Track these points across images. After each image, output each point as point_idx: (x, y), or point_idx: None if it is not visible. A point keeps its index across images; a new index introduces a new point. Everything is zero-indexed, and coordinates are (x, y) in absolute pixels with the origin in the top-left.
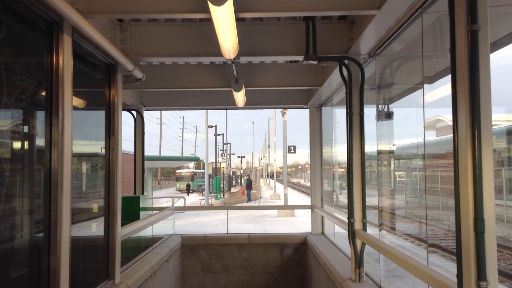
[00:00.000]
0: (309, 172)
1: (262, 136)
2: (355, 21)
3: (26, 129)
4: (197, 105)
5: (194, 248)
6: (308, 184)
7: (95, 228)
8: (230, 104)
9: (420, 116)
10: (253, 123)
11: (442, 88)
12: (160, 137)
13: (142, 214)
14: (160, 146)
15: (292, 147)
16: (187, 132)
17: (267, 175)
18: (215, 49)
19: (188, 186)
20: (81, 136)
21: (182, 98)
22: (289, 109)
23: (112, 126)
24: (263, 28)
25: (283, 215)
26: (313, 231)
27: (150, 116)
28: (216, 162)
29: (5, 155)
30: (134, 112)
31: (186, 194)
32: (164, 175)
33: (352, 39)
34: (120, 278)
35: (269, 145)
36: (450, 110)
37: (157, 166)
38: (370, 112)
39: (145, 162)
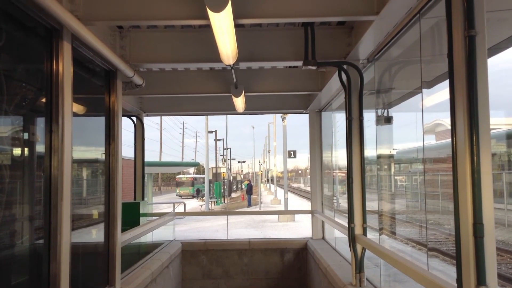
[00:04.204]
0: (309, 176)
1: (263, 141)
2: (354, 26)
3: (26, 135)
4: (197, 110)
5: (195, 254)
6: (309, 188)
7: (95, 234)
8: (230, 109)
9: (419, 121)
10: (253, 128)
11: (441, 93)
12: (161, 143)
13: (142, 220)
14: (160, 152)
15: (292, 152)
16: (187, 138)
17: (268, 180)
18: (215, 55)
19: (198, 190)
20: (81, 142)
21: (182, 103)
22: (289, 114)
23: (112, 132)
24: (262, 34)
25: (283, 220)
26: (313, 236)
27: (150, 122)
28: (216, 167)
29: (5, 161)
30: (134, 118)
31: (196, 198)
32: (165, 181)
33: (351, 45)
34: (121, 284)
35: (269, 150)
36: (449, 114)
37: (157, 172)
38: (369, 116)
39: (145, 167)
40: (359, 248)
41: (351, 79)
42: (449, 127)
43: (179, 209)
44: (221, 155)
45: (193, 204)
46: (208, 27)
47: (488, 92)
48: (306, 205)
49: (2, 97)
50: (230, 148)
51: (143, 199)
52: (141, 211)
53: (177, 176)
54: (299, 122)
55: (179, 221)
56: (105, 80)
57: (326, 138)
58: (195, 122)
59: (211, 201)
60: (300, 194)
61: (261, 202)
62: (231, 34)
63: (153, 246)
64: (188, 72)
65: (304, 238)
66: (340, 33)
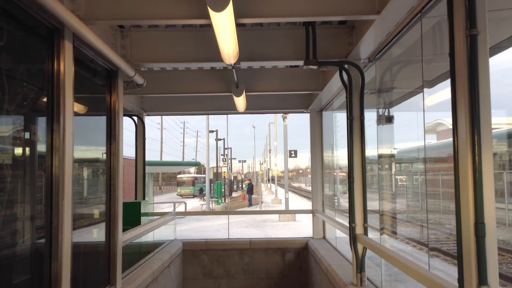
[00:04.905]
0: (310, 176)
1: (263, 141)
2: (355, 26)
3: (27, 135)
4: (198, 110)
5: (196, 253)
6: (309, 188)
7: (96, 234)
8: (230, 109)
9: (421, 120)
10: (254, 127)
11: (442, 92)
12: (161, 142)
13: (143, 219)
14: (161, 151)
15: (293, 152)
16: (188, 137)
17: (268, 180)
18: (216, 55)
19: (201, 190)
20: (82, 141)
21: (183, 103)
22: (290, 114)
23: (113, 132)
24: (263, 33)
25: (284, 219)
26: (314, 236)
27: (151, 121)
28: (217, 167)
29: (6, 161)
30: (135, 118)
31: (198, 198)
32: (165, 180)
33: (352, 44)
34: (122, 284)
35: (270, 150)
36: (450, 113)
37: (158, 171)
38: (370, 116)
39: (146, 167)
40: (360, 247)
41: (352, 79)
42: (450, 127)
43: (180, 208)
44: (222, 155)
45: (194, 204)
46: (209, 26)
47: (490, 91)
48: (306, 204)
49: (4, 96)
50: (231, 148)
51: (144, 198)
52: (142, 210)
53: (178, 176)
54: (300, 121)
55: (180, 221)
56: (106, 79)
57: (327, 138)
58: (196, 122)
59: (212, 201)
60: (301, 194)
61: (261, 202)
62: (232, 34)
63: (154, 246)
64: (189, 71)
65: (305, 237)
66: (341, 33)
